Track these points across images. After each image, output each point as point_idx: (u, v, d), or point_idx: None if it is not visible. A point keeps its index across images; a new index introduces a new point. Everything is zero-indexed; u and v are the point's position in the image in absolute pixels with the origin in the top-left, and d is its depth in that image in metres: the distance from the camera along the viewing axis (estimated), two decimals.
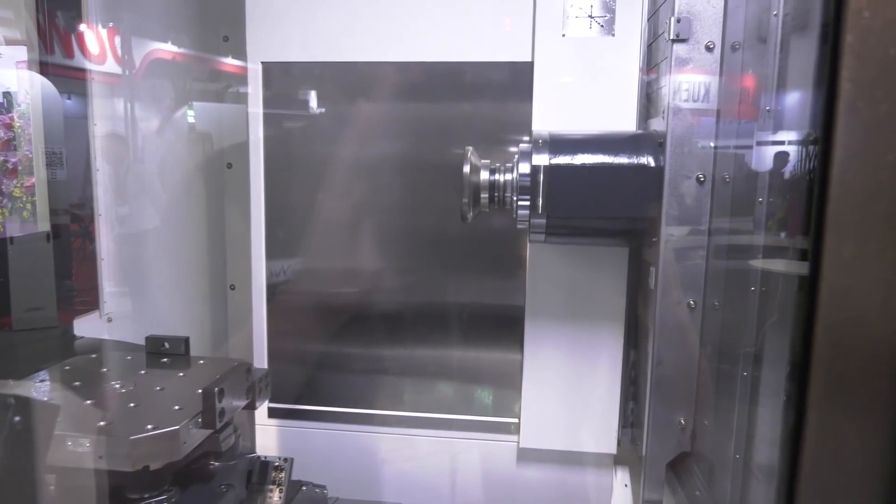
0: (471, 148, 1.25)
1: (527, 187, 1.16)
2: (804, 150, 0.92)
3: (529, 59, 1.42)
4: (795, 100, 1.03)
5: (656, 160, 1.17)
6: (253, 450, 1.27)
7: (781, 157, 1.06)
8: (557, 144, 1.19)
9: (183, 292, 1.80)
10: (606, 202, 1.18)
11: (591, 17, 1.39)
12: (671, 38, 1.18)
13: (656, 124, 1.27)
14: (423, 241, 1.55)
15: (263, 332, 1.60)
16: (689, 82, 1.20)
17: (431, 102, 1.51)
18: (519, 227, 1.18)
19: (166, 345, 1.29)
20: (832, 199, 0.56)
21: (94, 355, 1.32)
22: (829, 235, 0.57)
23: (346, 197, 1.56)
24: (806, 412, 0.59)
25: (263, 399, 1.22)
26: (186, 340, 1.28)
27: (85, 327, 1.56)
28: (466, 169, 1.22)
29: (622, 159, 1.17)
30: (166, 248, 1.78)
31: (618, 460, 1.46)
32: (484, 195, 1.24)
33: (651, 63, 1.37)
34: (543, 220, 1.17)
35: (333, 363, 1.60)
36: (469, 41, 1.45)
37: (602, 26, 1.38)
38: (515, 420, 1.52)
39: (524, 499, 1.54)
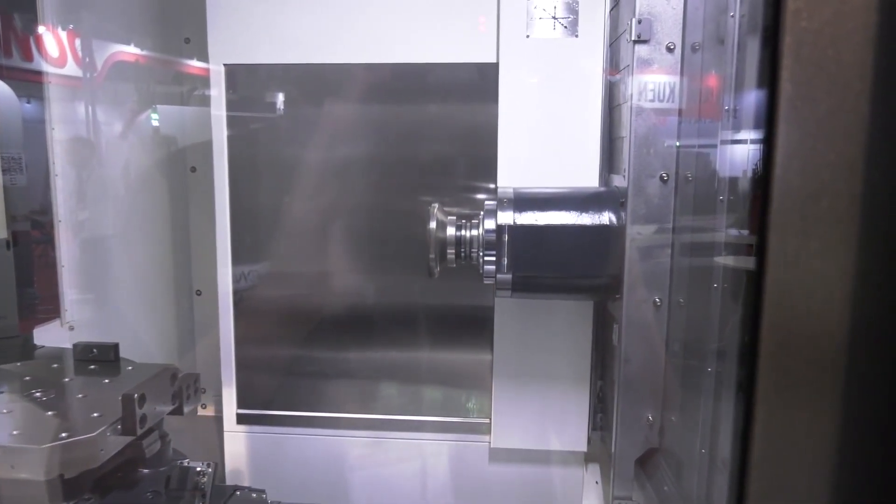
0: (437, 204, 1.29)
1: (492, 243, 1.19)
2: (760, 149, 0.93)
3: (495, 61, 1.43)
4: (751, 100, 1.05)
5: (618, 218, 1.20)
6: (184, 456, 1.25)
7: (740, 156, 1.07)
8: (522, 202, 1.22)
9: (147, 298, 1.76)
10: (570, 262, 1.21)
11: (554, 18, 1.40)
12: (633, 39, 1.20)
13: (618, 181, 1.29)
14: (391, 242, 1.54)
15: (230, 338, 1.58)
16: (651, 82, 1.21)
17: (399, 104, 1.51)
18: (486, 283, 1.20)
19: (95, 351, 1.26)
20: (775, 198, 0.57)
21: (19, 363, 1.29)
22: (773, 233, 0.58)
23: (314, 200, 1.55)
24: (754, 404, 0.60)
25: (192, 404, 1.21)
26: (115, 347, 1.25)
27: (46, 336, 1.52)
28: (432, 225, 1.25)
29: (585, 219, 1.21)
30: (130, 253, 1.75)
31: (588, 458, 1.47)
32: (450, 251, 1.27)
33: (614, 64, 1.38)
34: (509, 277, 1.19)
35: (303, 367, 1.59)
36: (435, 42, 1.45)
37: (566, 27, 1.39)
38: (486, 420, 1.52)
39: (496, 498, 1.54)
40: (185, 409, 1.17)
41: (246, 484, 1.57)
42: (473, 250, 1.26)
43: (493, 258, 1.19)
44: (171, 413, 1.18)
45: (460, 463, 1.55)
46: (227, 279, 1.57)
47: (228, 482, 1.60)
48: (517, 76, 1.41)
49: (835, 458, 0.61)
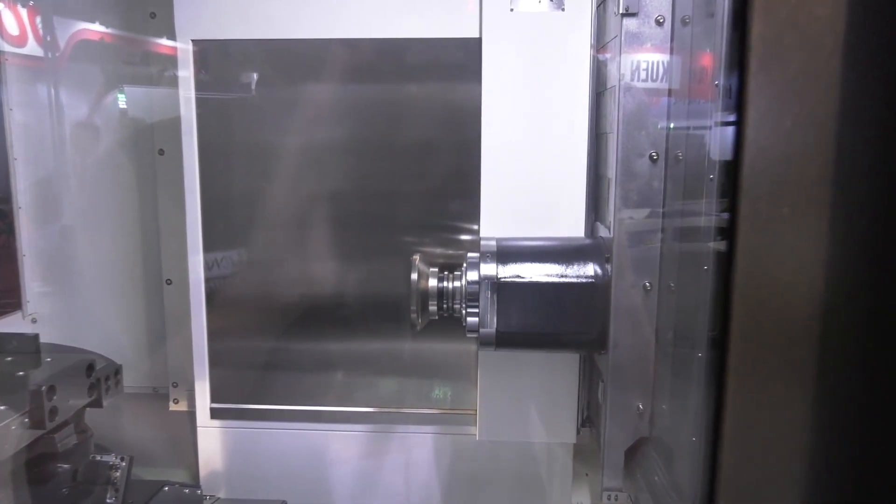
0: (418, 255, 1.30)
1: (475, 296, 1.18)
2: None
3: (478, 35, 1.36)
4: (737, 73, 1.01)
5: (603, 272, 1.18)
6: (109, 451, 1.21)
7: (728, 133, 1.04)
8: (505, 255, 1.21)
9: (115, 289, 1.69)
10: (555, 318, 1.20)
11: None
12: (621, 12, 1.14)
13: (603, 231, 1.28)
14: (372, 228, 1.48)
15: (203, 329, 1.52)
16: (640, 58, 1.16)
17: (378, 83, 1.44)
18: (469, 336, 1.19)
19: (15, 343, 1.21)
20: (745, 162, 0.55)
21: None
22: (744, 199, 0.55)
23: (289, 184, 1.49)
24: (726, 375, 0.59)
25: (112, 396, 1.16)
26: (36, 337, 1.20)
27: (7, 329, 1.45)
28: (414, 276, 1.25)
29: (570, 275, 1.20)
30: (95, 241, 1.67)
31: (578, 449, 1.43)
32: (432, 303, 1.27)
33: (601, 38, 1.32)
34: (493, 332, 1.18)
35: (280, 359, 1.53)
36: (415, 16, 1.39)
37: (552, 0, 1.33)
38: (472, 412, 1.47)
39: (483, 492, 1.50)
40: (105, 402, 1.13)
41: (222, 482, 1.52)
42: (456, 302, 1.26)
43: (476, 311, 1.17)
44: (90, 406, 1.13)
45: (445, 456, 1.50)
46: (198, 267, 1.50)
47: (202, 480, 1.55)
48: (501, 52, 1.35)
49: (808, 428, 0.59)
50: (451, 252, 1.47)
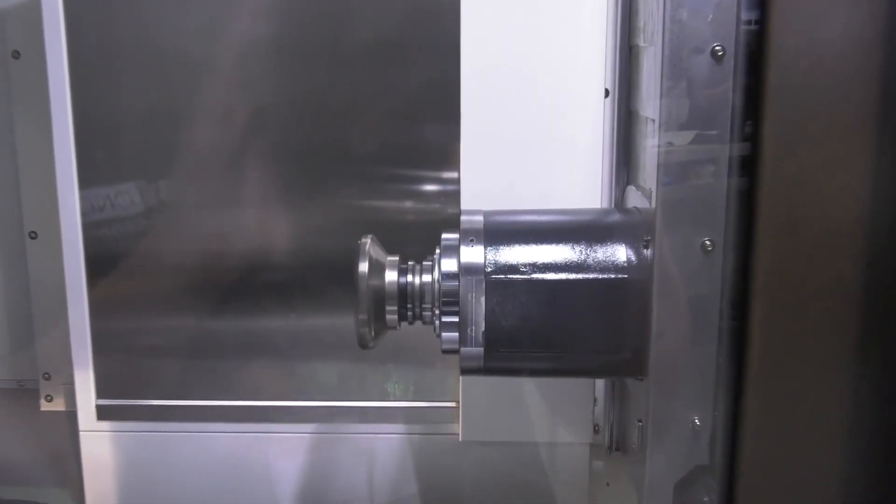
0: (370, 237, 0.90)
1: (453, 296, 0.84)
2: None
3: None
4: None
5: (639, 259, 0.85)
6: None
7: None
8: (497, 236, 0.87)
9: None
10: (569, 330, 0.87)
11: None
12: None
13: (636, 199, 0.93)
14: (318, 163, 1.16)
15: (83, 299, 1.17)
16: None
17: None
18: (445, 352, 0.86)
19: None
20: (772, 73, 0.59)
21: None
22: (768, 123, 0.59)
23: (200, 100, 1.15)
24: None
25: None
26: None
27: None
28: (363, 267, 0.87)
29: (592, 266, 0.86)
30: None
31: (595, 452, 1.15)
32: (391, 308, 0.89)
33: None
34: (479, 351, 0.85)
35: (193, 340, 1.22)
36: None
37: None
38: (453, 404, 1.18)
39: None
40: None
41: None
42: (426, 306, 0.89)
43: (456, 319, 0.85)
44: None
45: (418, 463, 1.21)
46: (72, 214, 1.15)
47: (88, 503, 1.24)
48: None
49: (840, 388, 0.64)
50: (424, 209, 1.16)
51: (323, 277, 1.18)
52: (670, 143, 0.83)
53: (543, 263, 0.86)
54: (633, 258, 0.85)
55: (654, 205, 0.83)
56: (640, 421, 0.88)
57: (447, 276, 0.84)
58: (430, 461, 1.20)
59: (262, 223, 1.18)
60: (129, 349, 1.21)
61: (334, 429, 1.21)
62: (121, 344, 1.21)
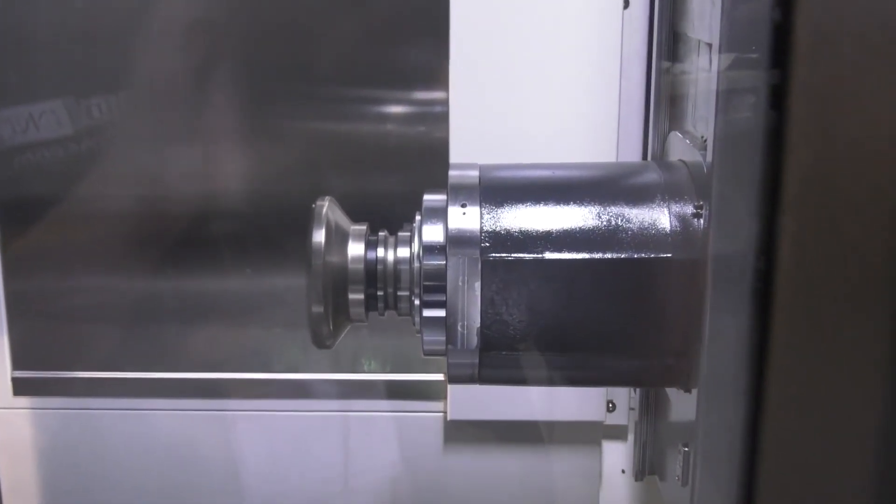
0: (328, 199, 0.72)
1: (438, 278, 0.66)
2: None
3: None
4: None
5: (687, 233, 0.65)
6: None
7: None
8: (496, 199, 0.68)
9: None
10: (591, 324, 0.69)
11: None
12: None
13: (680, 148, 0.74)
14: (280, 85, 1.01)
15: None
16: None
17: None
18: (427, 355, 0.70)
19: None
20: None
21: None
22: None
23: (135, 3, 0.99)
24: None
25: None
26: None
27: None
28: (318, 238, 0.69)
29: (625, 241, 0.66)
30: None
31: (608, 433, 1.00)
32: (356, 295, 0.70)
33: None
34: (474, 354, 0.67)
35: (132, 299, 1.09)
36: None
37: None
38: (440, 377, 1.04)
39: (456, 499, 1.07)
40: None
41: (34, 497, 1.09)
42: (402, 291, 0.71)
43: (440, 311, 0.67)
44: None
45: (401, 445, 1.07)
46: None
47: (3, 494, 1.07)
48: None
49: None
50: (405, 136, 1.01)
51: (284, 226, 1.03)
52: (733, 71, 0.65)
53: (559, 236, 0.67)
54: (679, 230, 0.67)
55: (709, 157, 0.64)
56: (685, 446, 0.70)
57: (430, 249, 0.65)
58: (414, 444, 1.06)
59: (213, 159, 1.04)
60: (51, 312, 1.08)
61: (301, 406, 1.07)
62: (41, 306, 1.08)
